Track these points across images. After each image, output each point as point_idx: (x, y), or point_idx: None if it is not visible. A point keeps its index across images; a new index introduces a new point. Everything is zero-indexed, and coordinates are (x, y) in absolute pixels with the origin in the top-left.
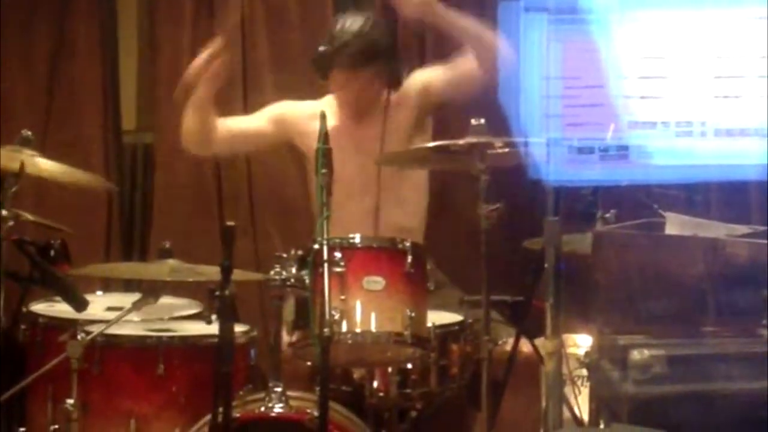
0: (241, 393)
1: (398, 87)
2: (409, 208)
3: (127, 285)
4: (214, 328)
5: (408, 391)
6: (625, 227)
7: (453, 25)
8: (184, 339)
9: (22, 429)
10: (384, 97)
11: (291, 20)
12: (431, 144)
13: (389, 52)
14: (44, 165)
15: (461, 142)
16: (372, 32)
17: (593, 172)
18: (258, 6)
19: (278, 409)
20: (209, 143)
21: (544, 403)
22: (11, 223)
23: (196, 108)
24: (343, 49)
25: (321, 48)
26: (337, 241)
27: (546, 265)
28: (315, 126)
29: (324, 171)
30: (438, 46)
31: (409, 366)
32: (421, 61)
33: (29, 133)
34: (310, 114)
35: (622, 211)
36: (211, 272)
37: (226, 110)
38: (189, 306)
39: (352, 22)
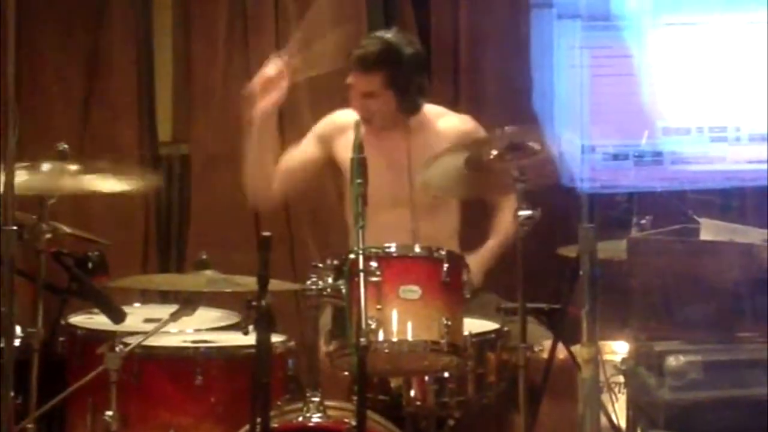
0: (279, 403)
1: (415, 111)
2: (439, 219)
3: (165, 296)
4: (251, 339)
5: (445, 399)
6: (660, 233)
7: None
8: (222, 350)
9: None
10: (402, 119)
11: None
12: (465, 154)
13: (408, 66)
14: (86, 181)
15: (495, 150)
16: (393, 39)
17: (628, 179)
18: (291, 21)
19: (316, 419)
20: (273, 187)
21: (581, 410)
22: (49, 235)
23: (256, 152)
24: (357, 50)
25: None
26: (373, 250)
27: (581, 272)
28: (348, 136)
29: (359, 181)
30: (471, 69)
31: (446, 374)
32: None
33: (66, 146)
34: (341, 124)
35: (657, 217)
36: (248, 283)
37: None
38: (226, 317)
39: (381, 32)
